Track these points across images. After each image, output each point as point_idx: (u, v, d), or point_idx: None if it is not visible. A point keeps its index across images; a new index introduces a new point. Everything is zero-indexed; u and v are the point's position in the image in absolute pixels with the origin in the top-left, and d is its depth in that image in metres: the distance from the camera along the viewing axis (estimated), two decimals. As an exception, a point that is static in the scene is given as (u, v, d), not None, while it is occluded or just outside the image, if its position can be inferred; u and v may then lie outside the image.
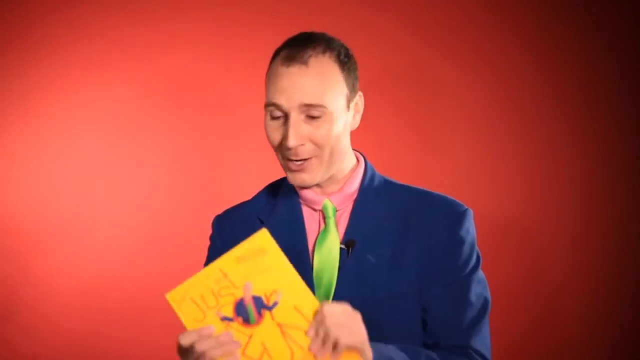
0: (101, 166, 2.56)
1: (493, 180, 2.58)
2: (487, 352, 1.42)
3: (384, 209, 1.45)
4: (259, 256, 1.22)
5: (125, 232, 2.56)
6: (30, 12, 2.55)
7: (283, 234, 1.39)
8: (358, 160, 1.51)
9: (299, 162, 1.40)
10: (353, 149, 1.50)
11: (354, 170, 1.48)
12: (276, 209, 1.49)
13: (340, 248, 1.41)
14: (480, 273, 1.47)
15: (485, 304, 1.44)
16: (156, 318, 2.45)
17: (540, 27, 2.59)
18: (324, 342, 1.20)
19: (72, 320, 2.52)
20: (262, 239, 1.23)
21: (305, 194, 1.47)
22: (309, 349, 1.20)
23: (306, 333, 1.21)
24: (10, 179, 2.54)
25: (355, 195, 1.46)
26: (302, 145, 1.39)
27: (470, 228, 1.46)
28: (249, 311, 1.21)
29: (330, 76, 1.40)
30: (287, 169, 1.42)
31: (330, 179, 1.45)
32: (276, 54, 1.43)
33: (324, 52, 1.40)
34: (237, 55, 2.59)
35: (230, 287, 1.21)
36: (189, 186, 2.57)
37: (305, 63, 1.38)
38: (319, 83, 1.38)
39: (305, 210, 1.48)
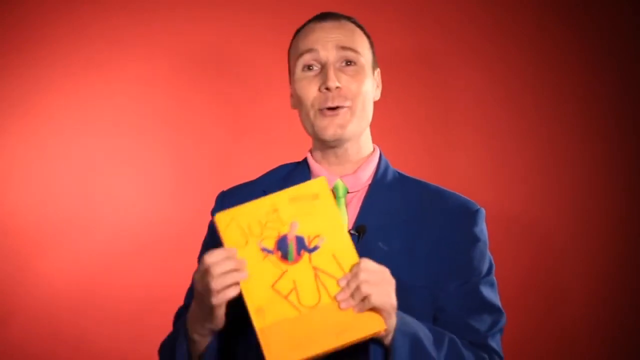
0: (101, 166, 2.56)
1: (493, 179, 2.58)
2: (502, 357, 1.43)
3: (397, 199, 1.45)
4: (311, 200, 1.26)
5: (125, 232, 2.56)
6: (30, 12, 2.55)
7: None
8: (374, 150, 1.53)
9: (333, 110, 1.42)
10: None
11: (369, 156, 1.50)
12: (286, 186, 1.50)
13: (350, 233, 1.41)
14: (494, 278, 1.47)
15: (500, 314, 1.44)
16: (156, 318, 2.45)
17: (540, 27, 2.59)
18: (352, 295, 1.21)
19: (72, 320, 2.52)
20: (319, 185, 1.27)
21: (318, 171, 1.48)
22: (335, 297, 1.21)
23: (338, 282, 1.22)
24: (10, 179, 2.54)
25: (368, 182, 1.47)
26: (339, 88, 1.41)
27: (484, 228, 1.48)
28: (289, 248, 1.24)
29: (359, 35, 1.48)
30: (319, 119, 1.43)
31: (348, 153, 1.46)
32: (301, 27, 1.50)
33: (349, 19, 1.50)
34: (237, 55, 2.59)
35: (277, 222, 1.25)
36: (189, 186, 2.57)
37: (337, 20, 1.47)
38: (352, 35, 1.46)
39: None
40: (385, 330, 1.23)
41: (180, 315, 1.55)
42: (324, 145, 1.47)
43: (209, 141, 2.59)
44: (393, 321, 1.24)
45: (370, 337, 1.22)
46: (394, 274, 1.27)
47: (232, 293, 1.21)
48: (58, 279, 2.52)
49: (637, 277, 2.55)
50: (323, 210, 1.25)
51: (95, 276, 2.54)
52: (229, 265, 1.21)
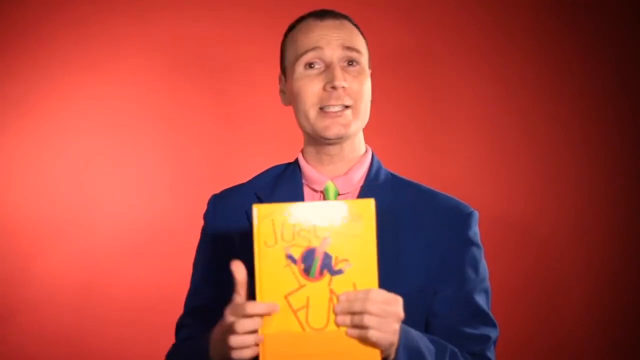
0: (101, 166, 2.56)
1: (493, 179, 2.58)
2: None
3: (389, 201, 1.42)
4: (352, 220, 1.21)
5: (124, 231, 2.56)
6: (30, 12, 2.55)
7: None
8: (366, 150, 1.51)
9: (336, 110, 1.40)
10: None
11: (362, 157, 1.48)
12: (277, 188, 1.48)
13: None
14: (489, 284, 1.45)
15: (494, 325, 1.43)
16: (156, 318, 2.45)
17: (541, 26, 2.59)
18: (352, 316, 1.17)
19: (72, 320, 2.52)
20: (366, 206, 1.21)
21: (309, 172, 1.46)
22: (335, 309, 1.18)
23: (338, 296, 1.19)
24: (10, 179, 2.54)
25: (360, 184, 1.45)
26: (345, 88, 1.40)
27: (477, 231, 1.45)
28: (314, 263, 1.21)
29: (357, 34, 1.47)
30: (321, 119, 1.41)
31: (342, 153, 1.45)
32: (296, 24, 1.48)
33: (346, 18, 1.48)
34: (239, 54, 2.59)
35: (310, 233, 1.21)
36: (189, 186, 2.57)
37: (338, 18, 1.46)
38: (352, 34, 1.45)
39: (307, 191, 1.46)
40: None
41: (183, 326, 1.53)
42: (320, 143, 1.45)
43: (208, 140, 2.60)
44: (392, 352, 1.21)
45: None
46: (385, 279, 1.23)
47: (248, 353, 1.19)
48: (58, 279, 2.52)
49: (637, 277, 2.55)
50: (360, 235, 1.21)
51: (94, 276, 2.54)
52: (250, 326, 1.18)
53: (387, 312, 1.18)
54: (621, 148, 2.57)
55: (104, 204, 2.55)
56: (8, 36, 2.54)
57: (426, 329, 1.40)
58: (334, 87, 1.39)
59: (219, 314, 1.35)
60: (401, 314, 1.20)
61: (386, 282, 1.29)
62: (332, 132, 1.41)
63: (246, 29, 2.57)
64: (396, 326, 1.19)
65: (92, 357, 2.53)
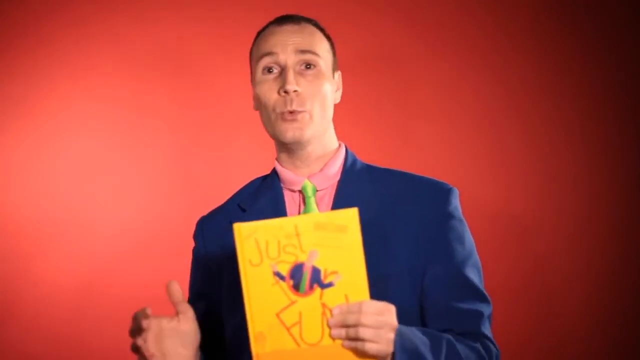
0: (101, 166, 2.56)
1: (493, 179, 2.58)
2: (495, 343, 1.42)
3: (368, 189, 1.46)
4: (338, 232, 1.20)
5: (125, 231, 2.56)
6: (30, 12, 2.55)
7: (264, 219, 1.40)
8: (339, 146, 1.54)
9: (292, 114, 1.43)
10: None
11: (335, 152, 1.51)
12: (258, 196, 1.51)
13: None
14: (477, 258, 1.46)
15: (488, 301, 1.44)
16: (156, 318, 2.45)
17: (541, 26, 2.59)
18: (346, 330, 1.18)
19: (72, 320, 2.52)
20: (349, 216, 1.20)
21: (285, 174, 1.49)
22: (329, 323, 1.18)
23: (332, 310, 1.18)
24: (10, 179, 2.54)
25: (337, 177, 1.48)
26: (297, 93, 1.42)
27: (458, 206, 1.47)
28: (303, 278, 1.19)
29: (319, 38, 1.50)
30: (279, 123, 1.45)
31: (312, 155, 1.48)
32: (262, 30, 1.53)
33: (309, 21, 1.52)
34: (239, 54, 2.59)
35: (296, 248, 1.20)
36: (188, 185, 2.57)
37: (297, 23, 1.49)
38: (311, 38, 1.48)
39: (286, 194, 1.49)
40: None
41: None
42: (289, 148, 1.49)
43: (208, 141, 2.60)
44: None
45: None
46: (371, 266, 1.23)
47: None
48: (58, 279, 2.52)
49: (637, 277, 2.55)
50: (347, 246, 1.19)
51: (95, 276, 2.54)
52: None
53: (382, 322, 1.18)
54: (621, 148, 2.57)
55: (104, 204, 2.55)
56: (8, 36, 2.55)
57: (420, 311, 1.42)
58: (286, 92, 1.42)
59: (209, 332, 1.37)
60: (395, 323, 1.20)
61: (375, 266, 1.29)
62: (288, 135, 1.45)
63: (247, 29, 2.56)
64: (391, 336, 1.19)
65: (92, 357, 2.53)
